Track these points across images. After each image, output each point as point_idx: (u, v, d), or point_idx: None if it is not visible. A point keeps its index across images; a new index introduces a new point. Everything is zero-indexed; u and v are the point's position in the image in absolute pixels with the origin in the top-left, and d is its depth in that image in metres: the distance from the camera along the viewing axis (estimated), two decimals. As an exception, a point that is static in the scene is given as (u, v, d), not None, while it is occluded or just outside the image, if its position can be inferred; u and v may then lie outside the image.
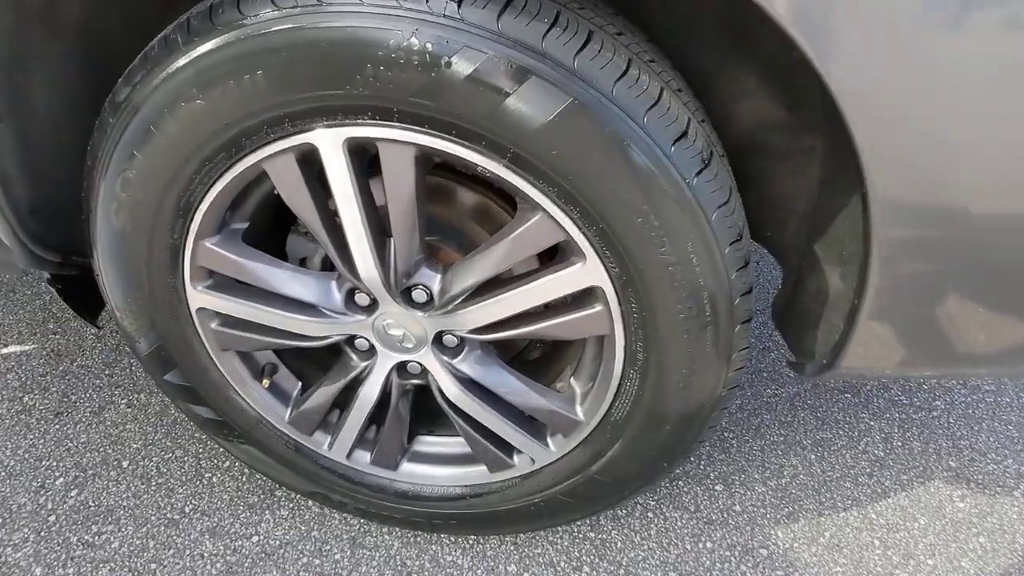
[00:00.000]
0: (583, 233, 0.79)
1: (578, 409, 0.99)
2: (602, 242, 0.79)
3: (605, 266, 0.81)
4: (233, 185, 0.86)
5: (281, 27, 0.72)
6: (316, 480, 1.16)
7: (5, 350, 1.55)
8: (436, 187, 0.96)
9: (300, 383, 1.12)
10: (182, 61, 0.77)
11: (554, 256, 0.91)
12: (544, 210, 0.78)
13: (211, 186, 0.86)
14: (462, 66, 0.69)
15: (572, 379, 1.01)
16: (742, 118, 0.98)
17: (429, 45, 0.69)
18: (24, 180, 0.97)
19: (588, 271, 0.82)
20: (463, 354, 0.98)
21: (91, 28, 0.93)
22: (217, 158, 0.82)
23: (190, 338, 1.02)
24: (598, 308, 0.86)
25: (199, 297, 0.97)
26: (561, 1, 0.73)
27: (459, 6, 0.69)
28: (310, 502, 1.27)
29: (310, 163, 0.83)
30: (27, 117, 0.93)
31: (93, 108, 0.89)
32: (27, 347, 1.57)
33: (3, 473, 1.29)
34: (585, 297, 0.87)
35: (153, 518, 1.24)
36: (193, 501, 1.27)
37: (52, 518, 1.23)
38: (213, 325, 1.01)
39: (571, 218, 0.78)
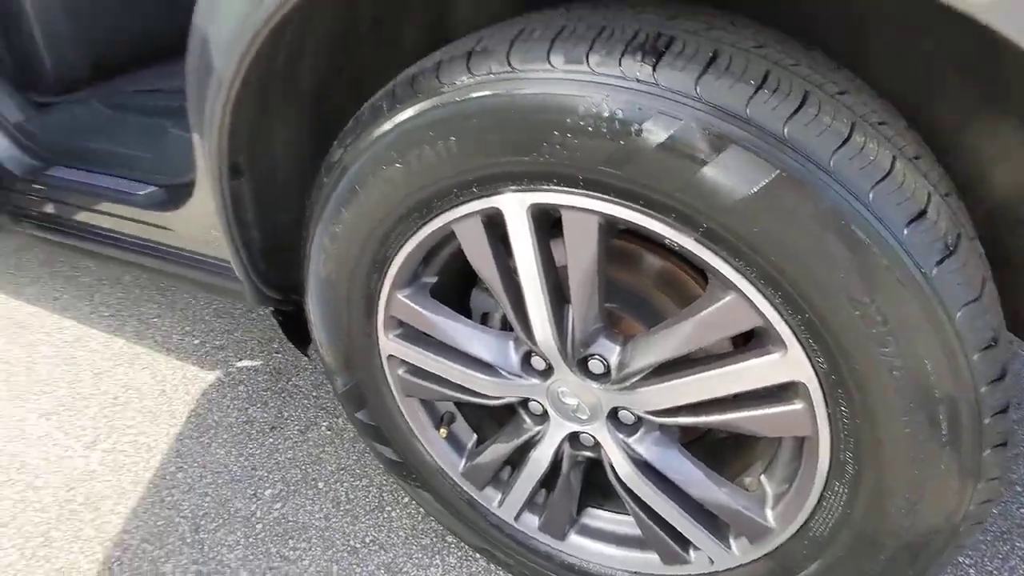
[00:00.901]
0: (785, 321, 0.68)
1: (768, 513, 0.85)
2: (808, 333, 0.67)
3: (811, 360, 0.69)
4: (425, 243, 0.89)
5: (474, 94, 0.72)
6: (485, 536, 1.15)
7: (239, 363, 1.78)
8: (621, 251, 0.91)
9: (476, 435, 1.12)
10: (386, 126, 0.80)
11: (750, 338, 0.80)
12: (739, 291, 0.69)
13: (405, 243, 0.89)
14: (654, 133, 0.64)
15: (763, 476, 0.88)
16: (999, 183, 0.80)
17: (619, 111, 0.64)
18: (258, 227, 1.09)
19: (789, 364, 0.71)
20: (639, 434, 0.91)
21: (322, 95, 1.03)
22: (411, 218, 0.85)
23: (379, 382, 1.07)
24: (798, 406, 0.74)
25: (389, 345, 1.02)
26: (772, 58, 0.65)
27: (654, 69, 0.64)
28: (478, 555, 1.26)
29: (495, 225, 0.82)
30: (265, 172, 1.06)
31: (317, 165, 0.98)
32: (256, 362, 1.78)
33: (227, 477, 1.47)
34: (784, 390, 0.75)
35: (338, 543, 1.31)
36: (373, 532, 1.32)
37: (259, 527, 1.36)
38: (400, 372, 1.05)
39: (771, 303, 0.68)
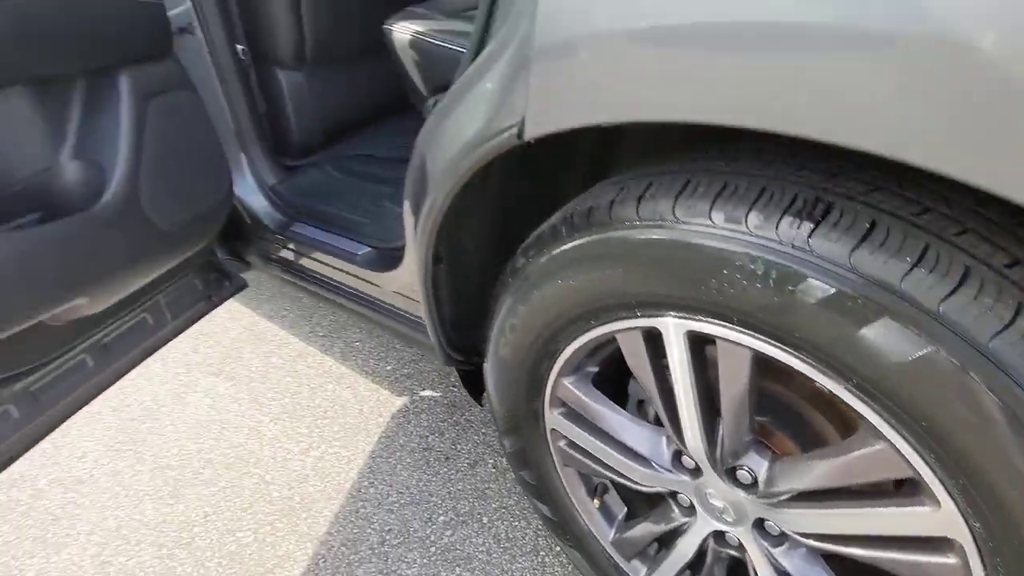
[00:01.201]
0: (939, 480, 0.68)
1: (917, 652, 0.83)
2: (963, 497, 0.67)
3: (966, 521, 0.68)
4: (590, 343, 0.98)
5: (641, 235, 0.80)
6: (629, 603, 1.22)
7: (423, 392, 2.01)
8: (779, 366, 0.93)
9: (626, 509, 1.20)
10: (563, 248, 0.91)
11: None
12: (890, 443, 0.70)
13: (572, 341, 0.99)
14: (807, 295, 0.68)
15: (915, 612, 0.86)
16: None
17: (774, 271, 0.69)
18: (450, 303, 1.26)
19: (942, 520, 0.70)
20: (784, 547, 0.92)
21: (506, 197, 1.17)
22: (578, 322, 0.95)
23: (542, 450, 1.19)
24: (951, 560, 0.72)
25: (553, 419, 1.13)
26: (935, 228, 0.65)
27: (809, 237, 0.67)
28: (621, 613, 1.33)
29: (654, 338, 0.89)
30: (458, 259, 1.22)
31: (498, 253, 1.12)
32: (436, 393, 2.00)
33: (408, 498, 1.68)
34: (937, 540, 0.74)
35: (496, 577, 1.46)
36: (528, 574, 1.45)
37: (433, 550, 1.54)
38: (560, 444, 1.15)
39: (925, 460, 0.68)
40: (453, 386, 2.02)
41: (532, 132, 0.80)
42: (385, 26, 1.64)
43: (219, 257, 1.91)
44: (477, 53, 0.94)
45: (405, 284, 1.45)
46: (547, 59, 0.78)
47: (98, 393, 1.54)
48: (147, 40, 1.43)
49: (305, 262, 1.78)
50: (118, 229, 1.35)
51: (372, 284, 1.58)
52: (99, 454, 1.93)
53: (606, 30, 0.71)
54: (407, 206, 1.18)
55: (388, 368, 2.15)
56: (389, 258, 1.52)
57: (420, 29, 1.51)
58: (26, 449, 1.39)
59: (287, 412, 2.04)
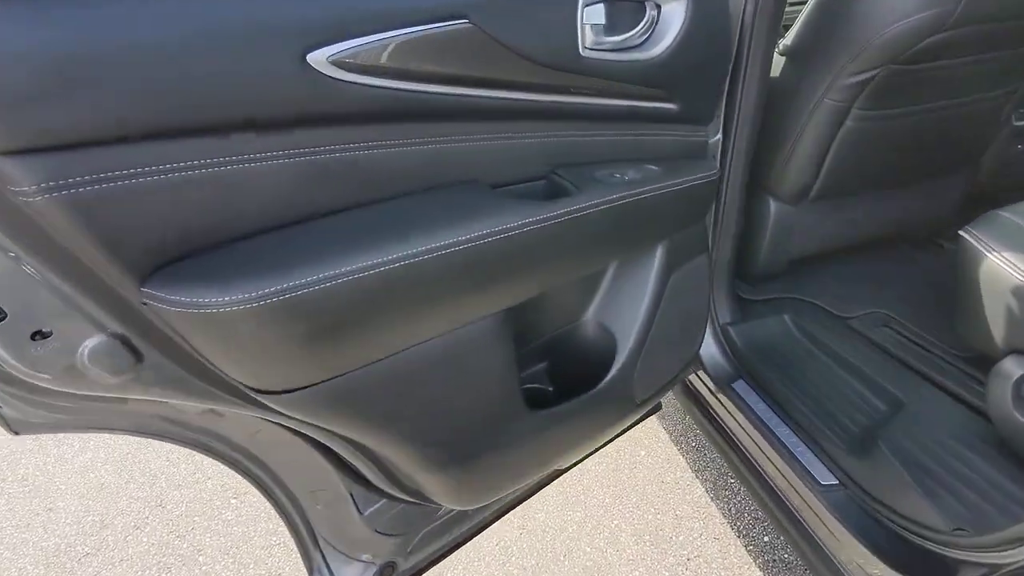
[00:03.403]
0: None
1: None
2: None
3: None
4: None
5: None
6: None
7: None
8: None
9: None
10: None
11: None
12: None
13: None
14: None
15: None
16: None
17: None
18: None
19: None
20: None
21: None
22: None
23: None
24: None
25: None
26: None
27: None
28: None
29: None
30: None
31: None
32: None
33: None
34: None
35: None
36: None
37: None
38: None
39: None
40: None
41: None
42: (966, 236, 1.19)
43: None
44: None
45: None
46: None
47: (536, 492, 1.50)
48: (693, 214, 1.23)
49: (738, 433, 1.50)
50: (608, 407, 1.22)
51: (829, 532, 1.23)
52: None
53: None
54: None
55: (765, 539, 1.81)
56: (888, 544, 1.15)
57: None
58: (494, 521, 1.41)
59: (648, 534, 1.85)
